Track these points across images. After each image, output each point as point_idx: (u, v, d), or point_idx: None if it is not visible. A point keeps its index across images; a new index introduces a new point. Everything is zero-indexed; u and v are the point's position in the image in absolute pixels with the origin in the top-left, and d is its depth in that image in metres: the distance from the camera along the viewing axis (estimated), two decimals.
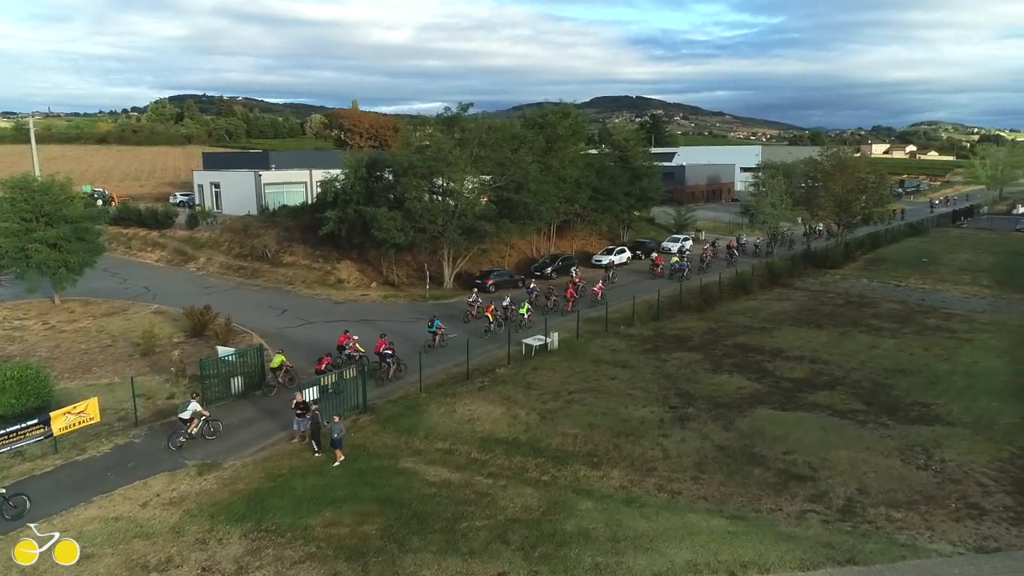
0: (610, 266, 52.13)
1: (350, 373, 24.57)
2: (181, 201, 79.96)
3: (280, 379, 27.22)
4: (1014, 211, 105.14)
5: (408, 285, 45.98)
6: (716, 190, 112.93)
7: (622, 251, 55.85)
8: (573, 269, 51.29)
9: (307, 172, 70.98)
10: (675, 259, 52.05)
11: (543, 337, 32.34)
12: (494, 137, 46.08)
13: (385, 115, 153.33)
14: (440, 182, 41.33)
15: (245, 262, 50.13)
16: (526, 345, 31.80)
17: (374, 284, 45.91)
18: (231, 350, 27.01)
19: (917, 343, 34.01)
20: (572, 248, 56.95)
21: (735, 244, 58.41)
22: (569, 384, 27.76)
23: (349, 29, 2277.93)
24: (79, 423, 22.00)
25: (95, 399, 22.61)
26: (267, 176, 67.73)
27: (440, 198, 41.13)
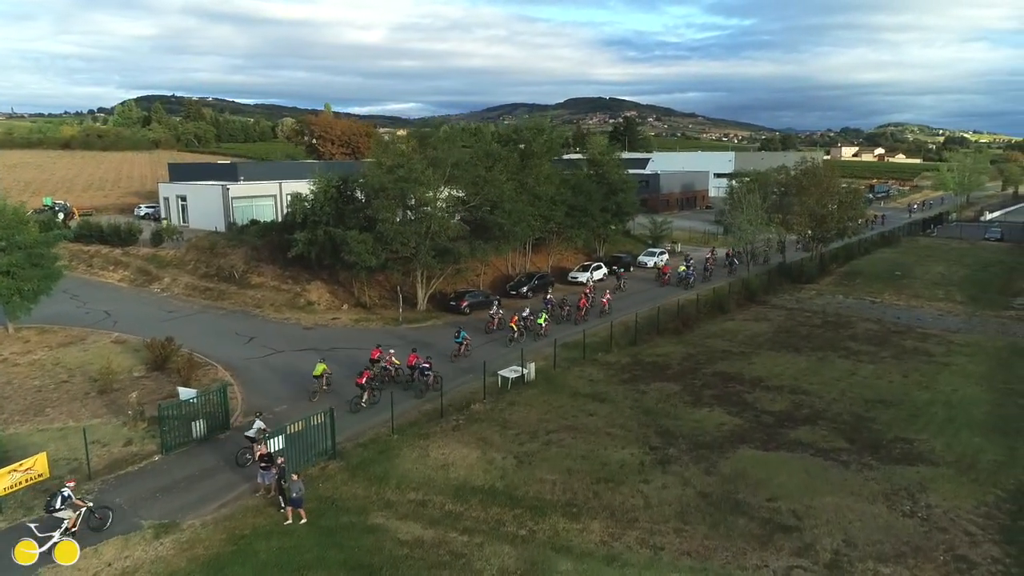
0: (587, 283, 51.98)
1: (317, 418, 23.47)
2: (146, 213, 77.79)
3: (324, 387, 29.67)
4: (981, 218, 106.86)
5: (381, 307, 44.83)
6: (690, 197, 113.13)
7: (598, 267, 55.22)
8: (549, 288, 50.65)
9: (276, 185, 69.46)
10: (682, 268, 54.15)
11: (519, 368, 31.49)
12: (468, 155, 45.27)
13: (358, 121, 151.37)
14: (413, 202, 40.22)
15: (211, 283, 48.57)
16: (502, 377, 30.92)
17: (345, 306, 44.69)
18: (193, 392, 25.75)
19: (896, 369, 33.76)
20: (548, 264, 56.19)
21: (733, 252, 58.52)
22: (546, 422, 26.94)
23: (320, 29, 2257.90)
24: (26, 480, 20.62)
25: (43, 455, 21.23)
26: (235, 190, 66.08)
27: (412, 219, 39.99)
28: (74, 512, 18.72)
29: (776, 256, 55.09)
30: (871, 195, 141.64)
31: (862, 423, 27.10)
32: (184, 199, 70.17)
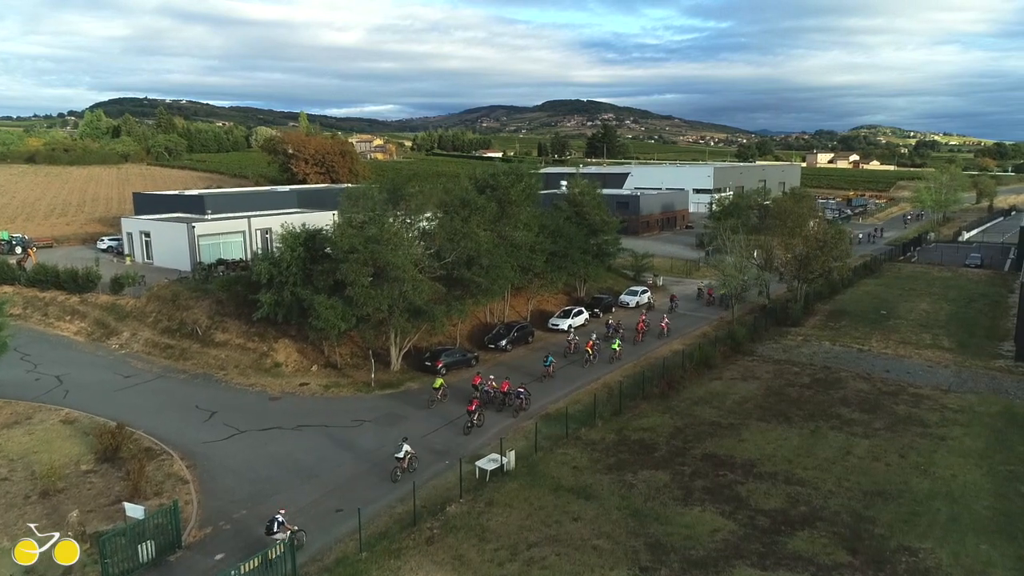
0: (568, 330, 50.65)
1: (275, 551, 21.35)
2: (109, 247, 74.81)
3: (440, 397, 36.59)
4: (960, 238, 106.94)
5: (352, 367, 42.64)
6: (671, 217, 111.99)
7: (580, 312, 53.51)
8: (529, 338, 48.88)
9: (245, 221, 66.91)
10: (723, 291, 55.73)
11: (498, 457, 29.52)
12: (442, 201, 43.38)
13: (331, 138, 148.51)
14: (385, 265, 38.03)
15: (173, 339, 46.05)
16: (480, 469, 28.94)
17: (315, 367, 42.42)
18: (140, 511, 23.45)
19: (892, 446, 32.31)
20: (528, 308, 54.36)
21: (714, 295, 59.25)
22: (528, 530, 25.00)
23: (297, 30, 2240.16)
24: None
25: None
26: (201, 228, 63.45)
27: (385, 281, 37.83)
28: (284, 534, 22.84)
29: (759, 295, 53.70)
30: (849, 210, 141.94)
31: (863, 525, 25.52)
32: (148, 235, 67.33)
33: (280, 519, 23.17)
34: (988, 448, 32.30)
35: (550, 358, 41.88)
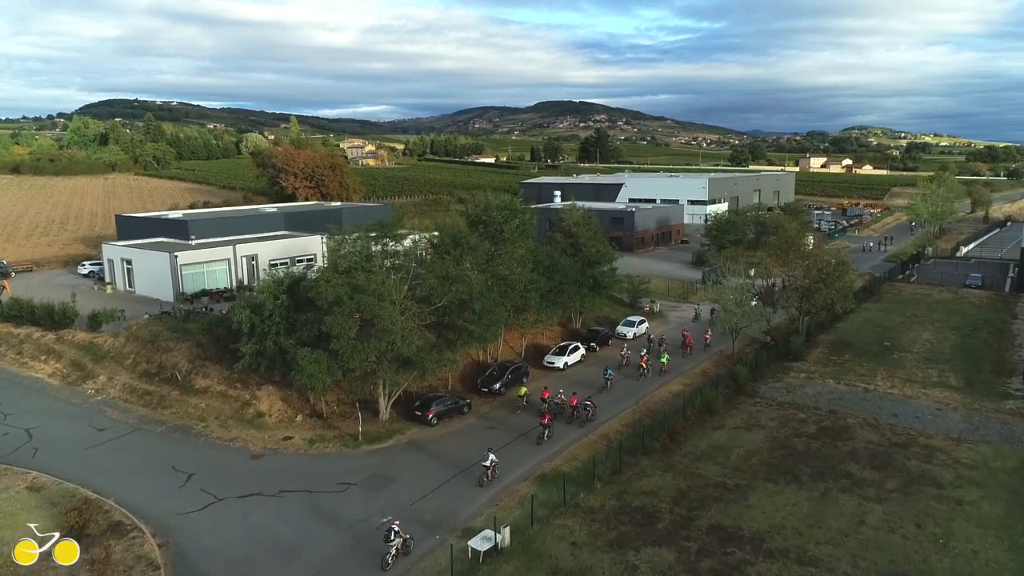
0: (563, 367, 49.23)
1: None
2: (91, 272, 72.70)
3: (525, 404, 41.95)
4: (957, 253, 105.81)
5: (339, 416, 40.72)
6: (666, 232, 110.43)
7: (576, 348, 51.74)
8: (524, 379, 47.11)
9: (230, 248, 64.93)
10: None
11: (492, 534, 27.71)
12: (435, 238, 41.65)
13: (320, 151, 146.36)
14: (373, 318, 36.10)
15: (151, 384, 44.06)
16: (472, 550, 27.13)
17: (299, 417, 40.47)
18: None
19: (907, 513, 30.66)
20: (522, 343, 52.55)
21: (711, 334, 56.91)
22: None
23: (290, 30, 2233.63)
24: None
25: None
26: (184, 256, 61.51)
27: (372, 332, 35.92)
28: (398, 541, 26.53)
29: (761, 333, 51.99)
30: (844, 222, 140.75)
31: None
32: (130, 263, 65.24)
33: (396, 528, 26.69)
34: (1008, 515, 30.69)
35: (609, 371, 46.64)
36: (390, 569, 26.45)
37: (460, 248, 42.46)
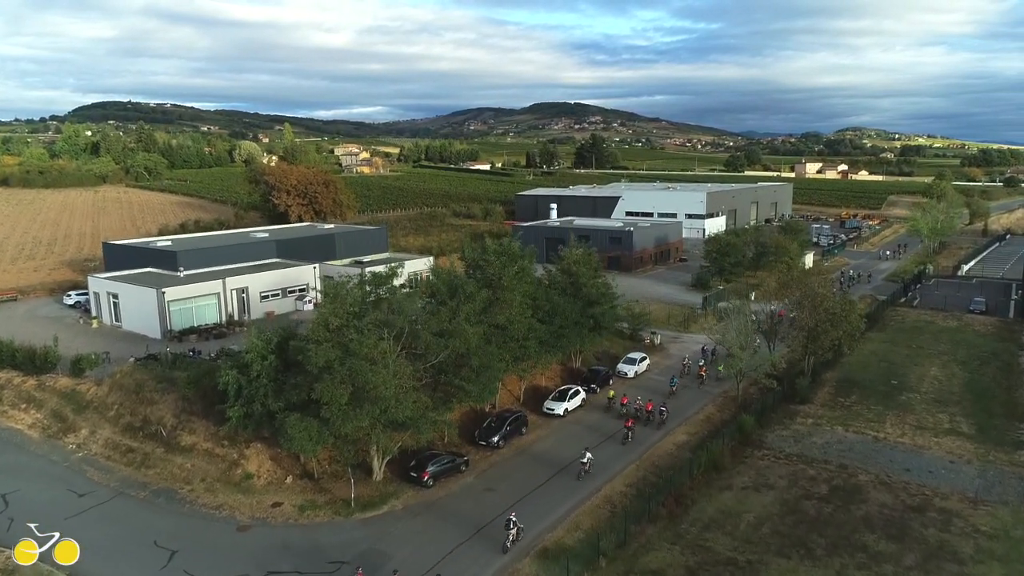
0: (564, 414, 47.79)
1: None
2: (76, 302, 70.97)
3: (620, 404, 47.19)
4: (959, 272, 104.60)
5: (331, 476, 39.02)
6: (664, 251, 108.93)
7: (576, 393, 50.16)
8: (523, 429, 45.59)
9: (220, 282, 63.24)
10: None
11: None
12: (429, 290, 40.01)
13: (312, 166, 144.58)
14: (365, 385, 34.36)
15: (135, 440, 42.34)
16: None
17: (289, 478, 38.77)
18: None
19: None
20: (521, 387, 50.94)
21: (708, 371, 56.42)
22: None
23: (285, 31, 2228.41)
24: None
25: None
26: (172, 292, 59.84)
27: (364, 397, 34.25)
28: (515, 530, 31.00)
29: (767, 377, 50.43)
30: (843, 235, 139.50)
31: None
32: (116, 296, 63.48)
33: (514, 518, 31.71)
34: None
35: (675, 379, 52.80)
36: None
37: (457, 298, 40.81)
